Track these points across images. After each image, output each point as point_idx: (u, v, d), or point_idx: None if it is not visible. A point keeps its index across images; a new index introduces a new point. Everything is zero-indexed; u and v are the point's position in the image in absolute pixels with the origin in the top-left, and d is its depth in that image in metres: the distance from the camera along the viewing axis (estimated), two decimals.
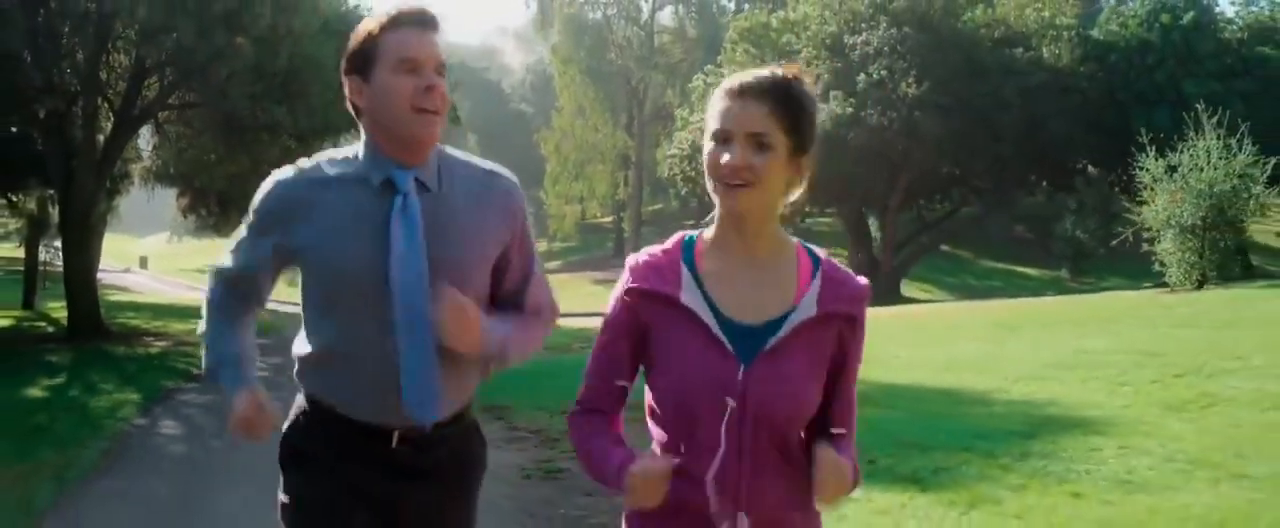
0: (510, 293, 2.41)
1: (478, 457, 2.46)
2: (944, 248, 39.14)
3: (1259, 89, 28.07)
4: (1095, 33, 30.24)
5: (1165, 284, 20.58)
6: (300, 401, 2.36)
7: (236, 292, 2.42)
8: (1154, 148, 20.30)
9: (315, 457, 2.29)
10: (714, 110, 1.98)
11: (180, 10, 15.52)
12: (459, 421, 2.35)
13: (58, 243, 23.36)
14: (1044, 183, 32.84)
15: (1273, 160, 19.87)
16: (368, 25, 2.24)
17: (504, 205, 2.34)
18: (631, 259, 2.10)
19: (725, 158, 1.92)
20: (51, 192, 21.49)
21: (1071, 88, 28.79)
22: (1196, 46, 28.53)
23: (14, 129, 20.37)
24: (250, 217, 2.32)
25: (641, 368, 2.11)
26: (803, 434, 2.09)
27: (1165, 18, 28.97)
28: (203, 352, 2.44)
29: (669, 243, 2.10)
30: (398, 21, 2.20)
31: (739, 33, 34.43)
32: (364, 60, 2.21)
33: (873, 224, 35.66)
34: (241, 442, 2.38)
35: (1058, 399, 8.85)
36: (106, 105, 20.08)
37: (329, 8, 19.29)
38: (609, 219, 58.52)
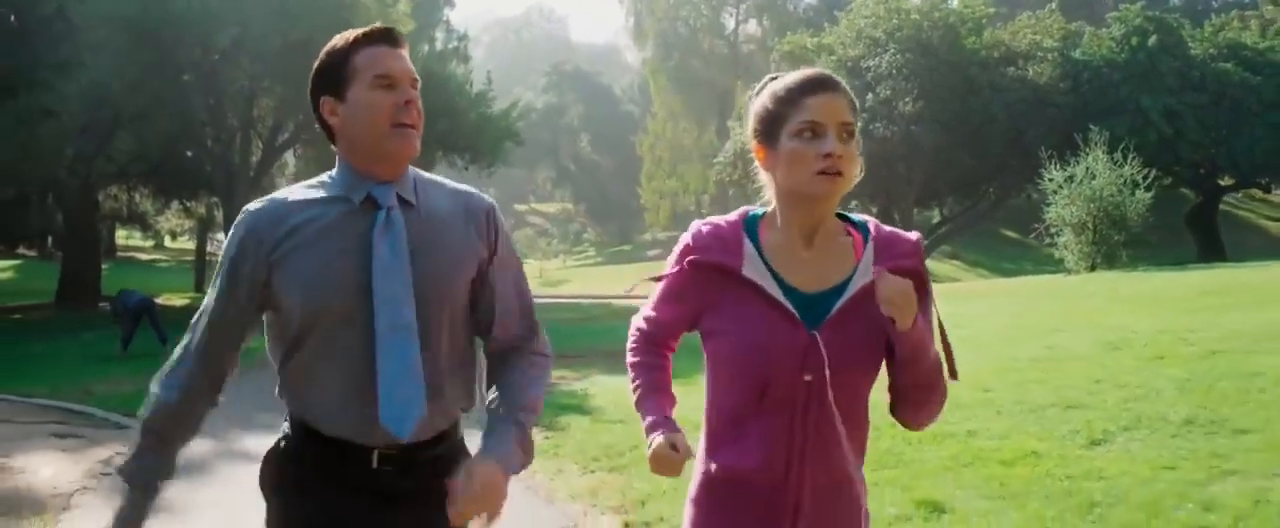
0: (485, 313, 2.29)
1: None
2: (944, 247, 43.90)
3: (1211, 101, 32.34)
4: (1077, 54, 34.76)
5: (1066, 270, 25.70)
6: (284, 425, 2.26)
7: (209, 358, 2.24)
8: (1112, 151, 24.88)
9: (296, 484, 2.19)
10: (793, 108, 2.00)
11: (301, 89, 22.43)
12: (443, 441, 2.24)
13: (221, 237, 31.10)
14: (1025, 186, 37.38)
15: (1153, 170, 24.81)
16: (336, 45, 2.18)
17: (482, 218, 2.27)
18: (695, 225, 2.13)
19: (826, 149, 1.95)
20: (216, 198, 28.92)
21: (1048, 102, 33.41)
22: (1159, 64, 32.88)
23: (189, 153, 27.74)
24: (224, 262, 2.20)
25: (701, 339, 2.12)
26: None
27: (1134, 40, 33.44)
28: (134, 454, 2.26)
29: (732, 215, 2.14)
30: (369, 38, 2.16)
31: (782, 54, 39.93)
32: (337, 79, 2.14)
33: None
34: None
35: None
36: (257, 137, 27.40)
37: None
38: (705, 212, 64.41)
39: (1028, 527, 5.26)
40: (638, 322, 2.28)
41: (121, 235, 48.31)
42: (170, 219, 38.78)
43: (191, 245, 40.80)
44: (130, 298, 16.79)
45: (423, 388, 2.14)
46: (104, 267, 30.32)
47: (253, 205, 2.21)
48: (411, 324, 2.12)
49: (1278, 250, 33.58)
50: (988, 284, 26.29)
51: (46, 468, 7.76)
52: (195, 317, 2.26)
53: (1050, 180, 25.43)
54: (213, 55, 22.58)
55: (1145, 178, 24.66)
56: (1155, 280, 19.60)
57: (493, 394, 2.30)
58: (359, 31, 2.17)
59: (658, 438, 2.03)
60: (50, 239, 34.26)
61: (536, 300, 2.43)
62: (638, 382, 2.22)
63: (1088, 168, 24.82)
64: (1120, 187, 24.46)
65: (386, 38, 2.18)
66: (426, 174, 2.31)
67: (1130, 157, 24.77)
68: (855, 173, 2.01)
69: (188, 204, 31.68)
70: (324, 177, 2.24)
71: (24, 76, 20.97)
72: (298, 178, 30.01)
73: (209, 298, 2.24)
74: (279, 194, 2.24)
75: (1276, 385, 7.84)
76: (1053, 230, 25.70)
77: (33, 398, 11.99)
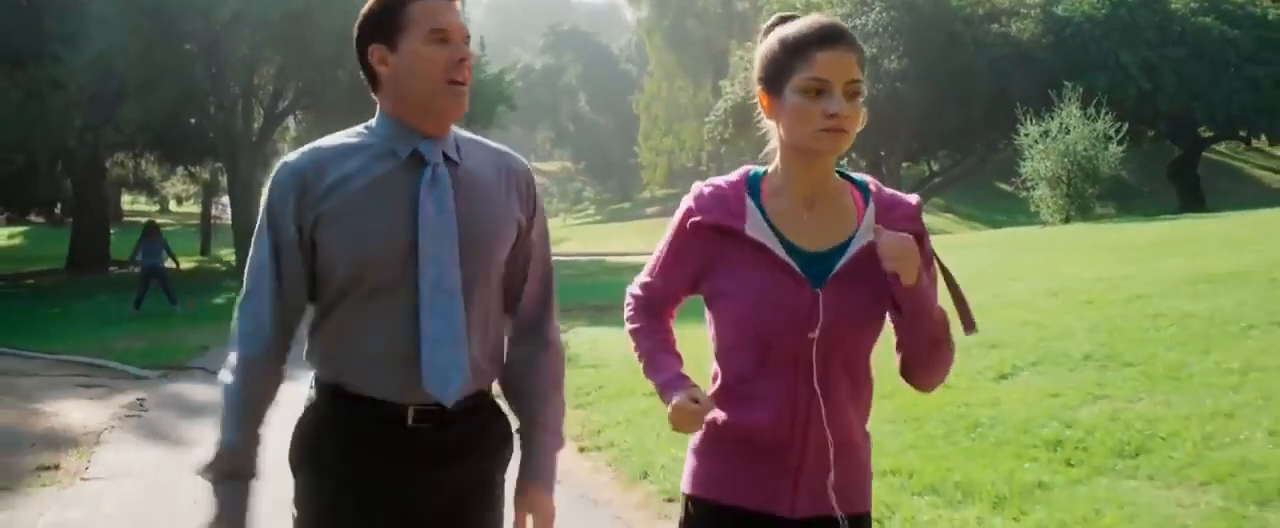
0: (514, 284, 2.27)
1: (502, 437, 2.26)
2: (937, 200, 44.72)
3: (1190, 55, 33.04)
4: (1059, 10, 35.38)
5: (1042, 222, 26.59)
6: (310, 392, 2.17)
7: (277, 324, 2.09)
8: (1086, 106, 25.66)
9: (332, 454, 2.10)
10: (801, 61, 1.96)
11: (300, 57, 23.25)
12: (478, 399, 2.18)
13: (225, 200, 32.02)
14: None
15: (1127, 124, 25.62)
16: None
17: (522, 185, 2.24)
18: (697, 187, 2.11)
19: (832, 107, 1.93)
20: (220, 164, 29.78)
21: (1031, 57, 34.12)
22: (1139, 19, 33.53)
23: (193, 121, 28.57)
24: (266, 217, 2.08)
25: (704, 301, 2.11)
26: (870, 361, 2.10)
27: None
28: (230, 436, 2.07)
29: (734, 175, 2.11)
30: None
31: (772, 14, 40.39)
32: (390, 27, 2.08)
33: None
34: None
35: None
36: (258, 104, 28.21)
37: None
38: (703, 169, 65.07)
39: (917, 443, 6.19)
40: (634, 289, 2.24)
41: (127, 201, 49.34)
42: (175, 185, 39.72)
43: (196, 210, 41.85)
44: (152, 257, 17.74)
45: (466, 352, 2.09)
46: (112, 232, 31.30)
47: (292, 157, 2.13)
48: (457, 286, 2.08)
49: (1267, 200, 34.33)
50: (970, 237, 27.20)
51: (76, 412, 8.74)
52: (243, 294, 2.12)
53: (1026, 135, 26.22)
54: (215, 26, 23.34)
55: (1118, 132, 25.45)
56: (1118, 232, 20.46)
57: (523, 398, 2.32)
58: None
59: (676, 396, 1.98)
60: (58, 206, 35.20)
61: None
62: (643, 346, 2.18)
63: (1062, 123, 25.60)
64: (1093, 141, 25.26)
65: None
66: (466, 133, 2.26)
67: (1104, 111, 25.54)
68: (857, 128, 1.99)
69: (192, 170, 32.54)
70: (361, 127, 2.17)
71: (32, 50, 21.80)
72: (298, 142, 30.86)
73: (260, 262, 2.10)
74: (321, 143, 2.15)
75: (1172, 325, 8.73)
76: (1029, 184, 26.53)
77: (56, 354, 12.98)
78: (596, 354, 11.09)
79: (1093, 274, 13.53)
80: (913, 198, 2.12)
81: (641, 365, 2.18)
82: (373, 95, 2.17)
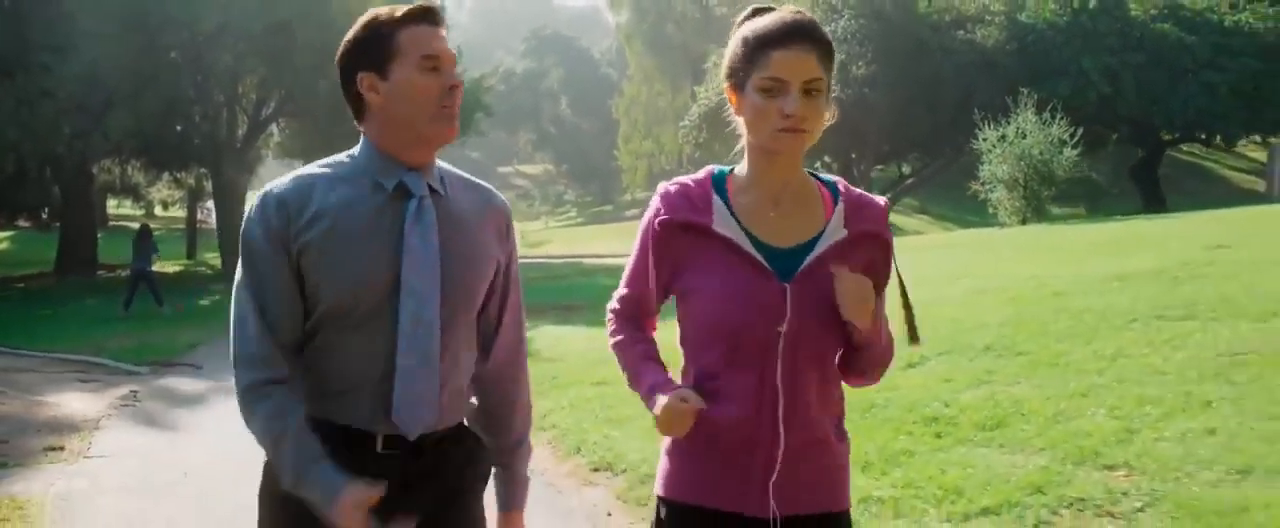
0: (488, 325, 2.30)
1: (475, 461, 2.27)
2: (910, 201, 45.75)
3: (1150, 61, 34.11)
4: (1023, 16, 36.43)
5: (1000, 223, 27.59)
6: None
7: (276, 361, 2.06)
8: (1042, 112, 26.60)
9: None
10: (760, 60, 1.95)
11: (282, 68, 24.10)
12: (453, 429, 2.20)
13: (210, 205, 32.79)
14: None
15: (1080, 129, 26.66)
16: (379, 18, 2.09)
17: (502, 224, 2.28)
18: (662, 187, 2.11)
19: (788, 107, 1.92)
20: (205, 170, 30.58)
21: (996, 64, 35.15)
22: (1100, 25, 34.58)
23: (179, 128, 29.34)
24: (248, 247, 2.08)
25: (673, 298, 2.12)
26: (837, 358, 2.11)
27: (1076, 3, 35.17)
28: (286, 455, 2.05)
29: (699, 173, 2.12)
30: (413, 16, 2.08)
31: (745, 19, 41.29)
32: (381, 56, 2.07)
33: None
34: None
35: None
36: (242, 112, 29.06)
37: None
38: (682, 171, 65.82)
39: None
40: (612, 305, 2.23)
41: (112, 205, 50.00)
42: (161, 190, 40.51)
43: (181, 214, 42.68)
44: (142, 260, 18.57)
45: (438, 386, 2.10)
46: (99, 236, 32.04)
47: (276, 185, 2.11)
48: (435, 319, 2.08)
49: (1230, 200, 35.27)
50: (928, 238, 28.18)
51: (76, 402, 9.61)
52: (235, 332, 2.08)
53: (984, 140, 27.17)
54: (199, 38, 24.19)
55: (1073, 136, 26.42)
56: (1065, 234, 21.39)
57: (499, 432, 2.38)
58: (403, 7, 2.10)
59: (663, 398, 1.99)
60: (45, 211, 35.94)
61: None
62: (626, 356, 2.18)
63: (1018, 128, 26.57)
64: (1049, 145, 26.23)
65: (430, 16, 2.11)
66: (448, 166, 2.26)
67: (1058, 116, 26.52)
68: (820, 127, 1.99)
69: (178, 176, 33.30)
70: (344, 156, 2.17)
71: (22, 60, 22.56)
72: (282, 148, 31.67)
73: (246, 294, 2.07)
74: (304, 171, 2.15)
75: (1070, 319, 9.61)
76: (987, 187, 27.50)
77: (53, 353, 13.82)
78: (556, 350, 11.95)
79: (1027, 273, 14.41)
80: (881, 200, 2.15)
81: (627, 379, 2.17)
82: (356, 122, 2.18)
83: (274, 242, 2.06)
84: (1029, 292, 12.31)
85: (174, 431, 8.35)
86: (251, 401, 2.06)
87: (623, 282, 2.20)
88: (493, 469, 2.38)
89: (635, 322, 2.22)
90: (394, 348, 2.07)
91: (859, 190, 2.15)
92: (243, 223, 2.12)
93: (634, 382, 2.14)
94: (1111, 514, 4.60)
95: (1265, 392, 6.07)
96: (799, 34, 1.96)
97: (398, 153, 2.12)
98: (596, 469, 6.45)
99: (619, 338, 2.21)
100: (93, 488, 6.56)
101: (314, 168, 2.16)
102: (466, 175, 2.30)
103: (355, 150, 2.17)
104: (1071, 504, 4.80)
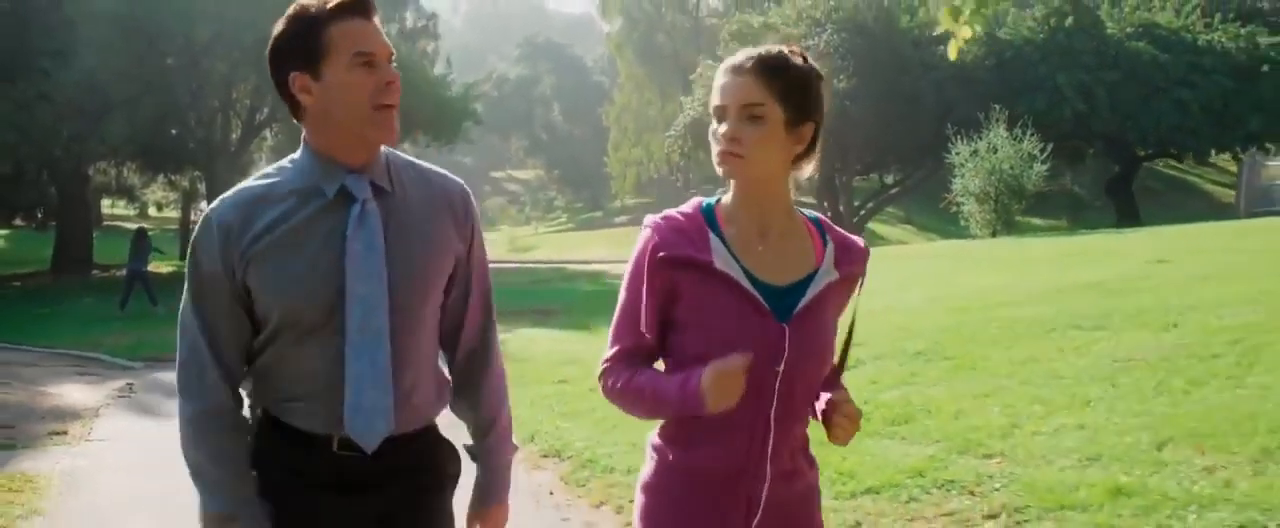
0: (454, 315, 2.24)
1: (441, 462, 2.24)
2: (895, 211, 46.57)
3: (1124, 78, 35.00)
4: (1001, 33, 37.28)
5: (971, 235, 28.44)
6: (250, 424, 2.17)
7: (220, 385, 2.08)
8: (1012, 127, 27.47)
9: (262, 488, 2.10)
10: (713, 87, 2.01)
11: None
12: (418, 430, 2.17)
13: (204, 206, 33.61)
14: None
15: (1050, 144, 27.57)
16: (305, 12, 1.99)
17: (460, 210, 2.18)
18: (651, 219, 2.07)
19: (723, 131, 1.97)
20: (199, 172, 31.34)
21: (974, 79, 35.98)
22: (1076, 43, 35.50)
23: (174, 132, 30.10)
24: (194, 271, 2.07)
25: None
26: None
27: (1053, 20, 36.11)
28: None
29: (687, 207, 2.09)
30: (342, 10, 1.98)
31: (730, 33, 42.22)
32: (310, 54, 1.97)
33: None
34: None
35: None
36: (236, 117, 29.87)
37: None
38: (672, 178, 66.57)
39: None
40: (604, 364, 2.12)
41: (107, 205, 50.68)
42: (156, 192, 41.27)
43: (175, 214, 43.45)
44: (138, 261, 19.30)
45: (391, 395, 2.06)
46: (94, 236, 32.71)
47: (217, 208, 2.06)
48: (383, 327, 2.04)
49: (1205, 214, 35.98)
50: (908, 249, 29.05)
51: (76, 393, 10.37)
52: (181, 357, 2.09)
53: (957, 154, 28.00)
54: (195, 46, 24.96)
55: (1043, 152, 27.27)
56: (1028, 247, 22.17)
57: (472, 420, 2.34)
58: (329, 1, 1.99)
59: (705, 371, 1.92)
60: (41, 211, 36.67)
61: (497, 266, 2.55)
62: (635, 387, 2.06)
63: (990, 143, 27.41)
64: (1019, 160, 27.05)
65: (360, 8, 2.02)
66: (399, 155, 2.19)
67: (1029, 132, 27.36)
68: (765, 154, 1.98)
69: (172, 178, 34.09)
70: (286, 162, 2.11)
71: (22, 66, 23.29)
72: (275, 151, 32.44)
73: (193, 322, 2.09)
74: (246, 186, 2.09)
75: (1000, 327, 10.36)
76: (959, 200, 28.33)
77: (51, 349, 14.58)
78: (526, 351, 12.72)
79: (981, 284, 15.19)
80: (860, 242, 2.18)
81: (648, 406, 2.07)
82: (294, 119, 2.10)
83: (219, 267, 2.04)
84: (974, 302, 13.06)
85: (168, 418, 9.05)
86: (193, 433, 2.09)
87: (612, 337, 2.11)
88: (475, 466, 2.36)
89: (634, 365, 2.11)
90: (344, 356, 2.04)
91: (840, 229, 2.18)
92: (189, 248, 2.13)
93: (658, 397, 2.03)
94: (972, 493, 5.36)
95: (1137, 394, 6.84)
96: (743, 66, 2.00)
97: (337, 155, 2.06)
98: (545, 456, 7.21)
99: (619, 382, 2.09)
100: (94, 466, 7.31)
101: (254, 182, 2.11)
102: (420, 163, 2.23)
103: (297, 154, 2.12)
104: (943, 486, 5.55)
